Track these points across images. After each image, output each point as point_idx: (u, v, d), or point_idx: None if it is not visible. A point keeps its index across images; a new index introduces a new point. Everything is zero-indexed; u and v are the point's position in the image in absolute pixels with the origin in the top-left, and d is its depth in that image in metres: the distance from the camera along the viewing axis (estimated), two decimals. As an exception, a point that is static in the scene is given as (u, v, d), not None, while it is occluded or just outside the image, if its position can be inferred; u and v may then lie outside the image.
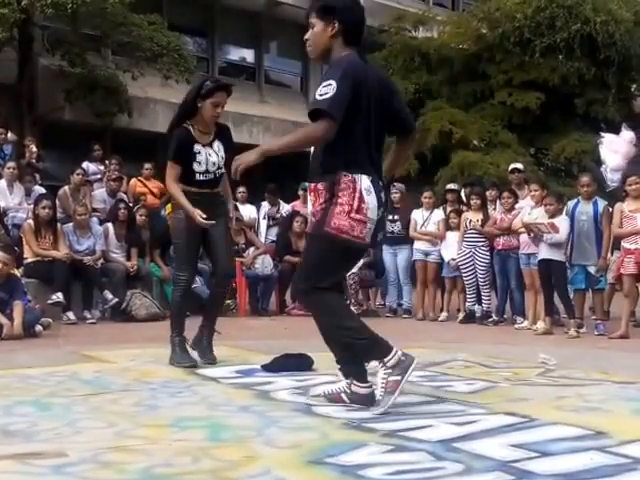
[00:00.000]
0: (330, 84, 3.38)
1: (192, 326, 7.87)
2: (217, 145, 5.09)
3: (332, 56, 3.65)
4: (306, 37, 3.84)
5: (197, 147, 5.01)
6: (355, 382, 3.64)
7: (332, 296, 3.66)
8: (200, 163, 5.01)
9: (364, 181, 3.47)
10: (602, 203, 7.86)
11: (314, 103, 3.47)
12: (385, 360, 3.51)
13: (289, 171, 12.58)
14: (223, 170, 5.09)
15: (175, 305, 5.33)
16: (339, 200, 3.45)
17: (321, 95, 3.40)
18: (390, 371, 3.48)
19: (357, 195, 3.45)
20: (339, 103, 3.37)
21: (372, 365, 3.66)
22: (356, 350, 3.71)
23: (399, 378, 3.47)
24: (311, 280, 3.59)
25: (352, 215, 3.45)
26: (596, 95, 16.80)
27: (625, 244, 7.45)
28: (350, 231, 3.46)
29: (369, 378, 3.70)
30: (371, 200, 3.47)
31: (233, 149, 4.90)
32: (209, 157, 5.03)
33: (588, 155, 14.95)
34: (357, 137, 3.49)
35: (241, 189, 10.70)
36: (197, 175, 5.01)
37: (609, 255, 8.43)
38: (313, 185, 3.63)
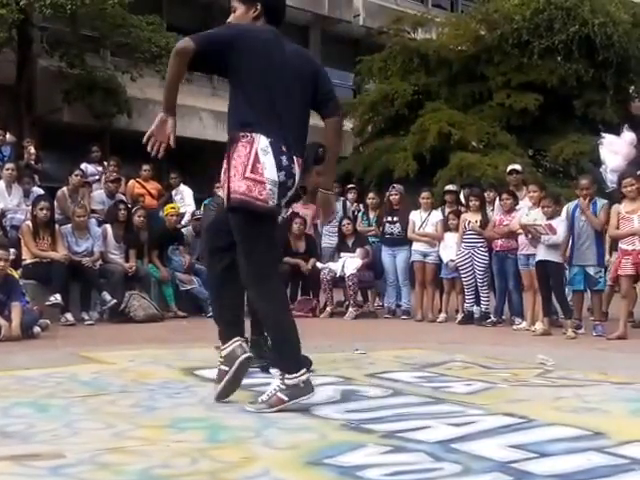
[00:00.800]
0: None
1: (191, 326, 7.88)
2: None
3: None
4: (228, 21, 3.77)
5: None
6: (287, 375, 3.51)
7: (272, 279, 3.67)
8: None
9: (262, 141, 3.45)
10: (601, 202, 7.87)
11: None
12: (287, 376, 3.48)
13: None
14: None
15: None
16: (232, 162, 3.45)
17: None
18: (284, 387, 3.46)
19: (253, 154, 3.43)
20: (207, 36, 3.51)
21: (273, 371, 3.64)
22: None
23: (286, 399, 3.45)
24: (253, 263, 3.57)
25: (247, 175, 3.44)
26: (594, 97, 16.79)
27: (622, 245, 7.46)
28: (247, 192, 3.44)
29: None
30: (268, 160, 3.43)
31: None
32: None
33: (586, 156, 14.95)
34: (257, 101, 3.50)
35: None
36: None
37: (607, 256, 8.45)
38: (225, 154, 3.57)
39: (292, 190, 3.56)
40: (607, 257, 8.43)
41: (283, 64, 3.55)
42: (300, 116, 3.63)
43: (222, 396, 3.69)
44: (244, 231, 3.55)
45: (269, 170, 3.44)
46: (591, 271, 7.75)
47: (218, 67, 3.65)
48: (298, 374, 3.47)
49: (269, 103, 3.52)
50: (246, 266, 3.58)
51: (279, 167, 3.46)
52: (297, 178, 3.57)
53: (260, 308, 3.73)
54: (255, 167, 3.43)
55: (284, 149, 3.49)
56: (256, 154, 3.44)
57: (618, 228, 7.49)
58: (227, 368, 3.54)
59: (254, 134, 3.46)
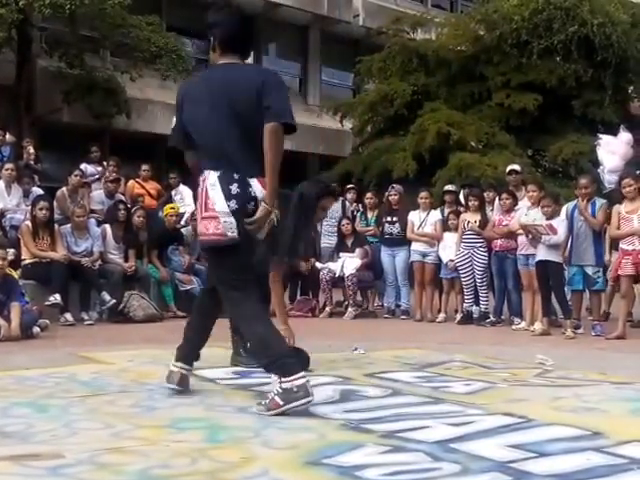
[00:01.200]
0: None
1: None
2: None
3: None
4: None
5: None
6: (282, 379, 3.51)
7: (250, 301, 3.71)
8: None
9: (210, 177, 3.60)
10: (599, 202, 7.88)
11: None
12: (282, 379, 3.48)
13: (288, 172, 12.58)
14: None
15: None
16: (196, 205, 3.68)
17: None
18: (280, 391, 3.47)
19: (204, 193, 3.62)
20: (177, 132, 3.83)
21: (274, 378, 3.64)
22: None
23: (281, 404, 3.45)
24: (225, 286, 3.74)
25: (202, 215, 3.63)
26: (593, 97, 16.78)
27: (622, 245, 7.47)
28: (206, 231, 3.60)
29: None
30: (215, 194, 3.56)
31: None
32: None
33: (585, 156, 14.94)
34: (204, 139, 3.68)
35: None
36: None
37: (607, 256, 8.45)
38: None
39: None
40: (607, 257, 8.43)
41: (223, 100, 3.64)
42: (250, 139, 3.61)
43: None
44: (212, 262, 3.93)
45: (218, 204, 3.55)
46: (589, 271, 7.75)
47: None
48: (291, 378, 3.46)
49: (218, 138, 3.63)
50: (221, 292, 3.76)
51: (228, 197, 3.55)
52: (262, 194, 3.59)
53: (240, 328, 3.94)
54: (207, 205, 3.59)
55: (235, 177, 3.57)
56: (206, 191, 3.61)
57: (619, 228, 7.49)
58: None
59: (205, 172, 3.65)
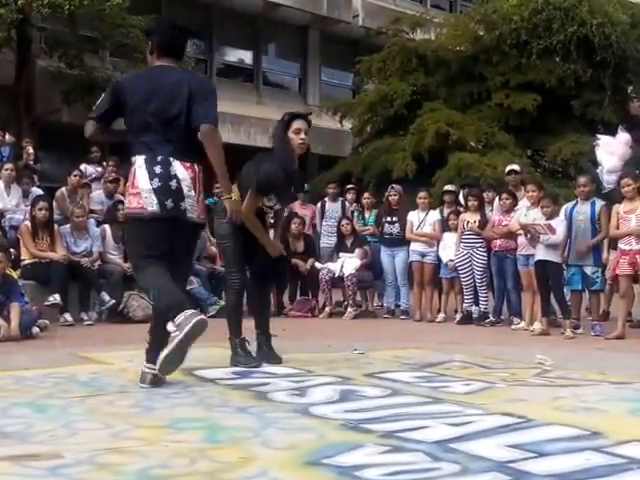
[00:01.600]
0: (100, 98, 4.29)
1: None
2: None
3: None
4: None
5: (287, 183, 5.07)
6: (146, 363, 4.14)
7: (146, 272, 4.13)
8: (271, 199, 5.09)
9: (138, 160, 4.11)
10: (600, 203, 7.88)
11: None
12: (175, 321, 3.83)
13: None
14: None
15: (229, 307, 5.35)
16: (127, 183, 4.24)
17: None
18: (175, 329, 3.81)
19: (133, 173, 4.14)
20: (97, 107, 4.26)
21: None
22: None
23: (174, 330, 3.81)
24: (132, 259, 4.40)
25: (130, 191, 4.16)
26: (592, 97, 16.80)
27: (620, 245, 7.49)
28: (130, 205, 4.14)
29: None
30: (140, 173, 4.07)
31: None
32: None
33: (585, 156, 14.94)
34: (137, 129, 4.16)
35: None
36: (264, 208, 5.10)
37: (605, 255, 8.46)
38: None
39: (188, 188, 4.07)
40: (605, 256, 8.44)
41: (160, 92, 4.12)
42: (177, 133, 4.11)
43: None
44: (128, 234, 4.42)
45: (142, 181, 4.05)
46: (588, 271, 7.76)
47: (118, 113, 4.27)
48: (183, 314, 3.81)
49: (147, 130, 4.13)
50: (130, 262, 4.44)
51: (152, 176, 4.04)
52: (185, 176, 4.07)
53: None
54: (133, 182, 4.12)
55: (159, 159, 4.06)
56: (135, 172, 4.11)
57: (618, 228, 7.50)
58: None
59: (135, 157, 4.15)
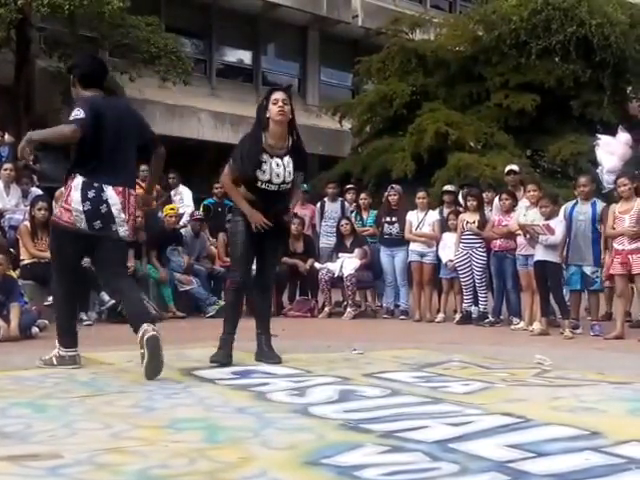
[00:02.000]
0: (80, 110, 4.54)
1: (190, 327, 7.89)
2: (287, 160, 5.13)
3: (75, 97, 4.88)
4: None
5: (264, 156, 5.06)
6: (62, 348, 4.85)
7: (62, 277, 4.86)
8: (264, 172, 5.06)
9: (76, 180, 4.57)
10: (601, 204, 7.89)
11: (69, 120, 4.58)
12: (61, 348, 4.85)
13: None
14: (288, 186, 5.19)
15: (226, 304, 5.66)
16: (64, 193, 4.71)
17: (74, 115, 4.53)
18: (58, 356, 4.84)
19: (69, 190, 4.60)
20: (85, 120, 4.51)
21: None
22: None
23: (55, 364, 4.81)
24: (53, 255, 5.00)
25: (62, 204, 4.66)
26: (591, 97, 16.80)
27: (614, 245, 7.51)
28: (60, 216, 4.68)
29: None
30: (75, 194, 4.55)
31: (304, 166, 5.28)
32: (275, 168, 5.08)
33: (584, 157, 14.96)
34: (86, 151, 4.58)
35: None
36: (259, 183, 5.09)
37: (603, 255, 8.46)
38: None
39: (118, 211, 4.59)
40: (602, 256, 8.44)
41: (113, 126, 4.62)
42: (127, 158, 4.74)
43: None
44: (52, 241, 5.06)
45: (75, 202, 4.55)
46: (588, 271, 7.77)
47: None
48: (67, 350, 4.81)
49: (97, 153, 4.59)
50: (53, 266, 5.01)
51: (84, 199, 4.53)
52: (115, 201, 4.58)
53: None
54: (67, 199, 4.61)
55: (95, 185, 4.55)
56: (71, 190, 4.59)
57: (613, 228, 7.52)
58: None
59: (75, 176, 4.60)
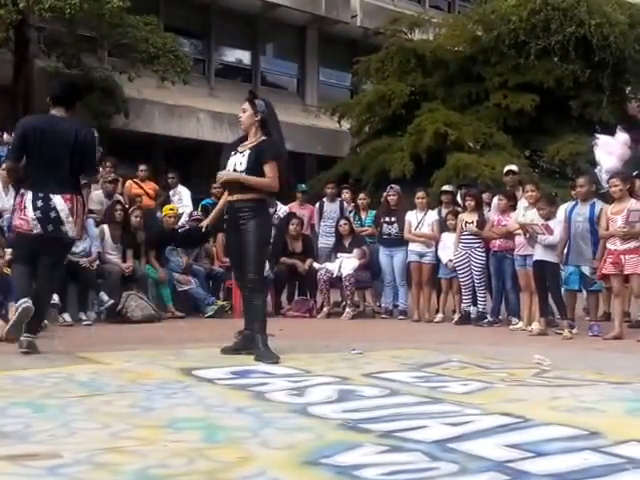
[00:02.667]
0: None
1: (189, 327, 7.88)
2: (247, 154, 5.48)
3: None
4: None
5: (232, 153, 5.61)
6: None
7: (17, 269, 5.79)
8: (226, 167, 5.59)
9: (26, 195, 5.49)
10: (599, 205, 7.89)
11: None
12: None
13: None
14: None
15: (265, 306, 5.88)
16: (15, 207, 5.67)
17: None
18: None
19: (23, 203, 5.50)
20: (11, 150, 5.84)
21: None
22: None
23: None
24: (14, 258, 6.07)
25: (21, 215, 5.54)
26: (591, 97, 16.83)
27: (607, 245, 7.49)
28: (21, 225, 5.56)
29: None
30: (28, 205, 5.46)
31: (265, 160, 5.44)
32: (234, 164, 5.53)
33: (583, 157, 14.97)
34: (28, 165, 5.55)
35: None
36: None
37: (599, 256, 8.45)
38: None
39: (66, 215, 5.48)
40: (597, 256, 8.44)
41: (52, 139, 5.48)
42: (61, 172, 5.51)
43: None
44: (16, 242, 5.94)
45: (29, 212, 5.46)
46: (587, 271, 7.77)
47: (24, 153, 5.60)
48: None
49: (38, 168, 5.49)
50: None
51: (35, 208, 5.44)
52: (63, 207, 5.47)
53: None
54: (23, 211, 5.50)
55: (41, 195, 5.44)
56: (24, 202, 5.49)
57: (607, 228, 7.50)
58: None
59: (25, 190, 5.52)
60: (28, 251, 5.66)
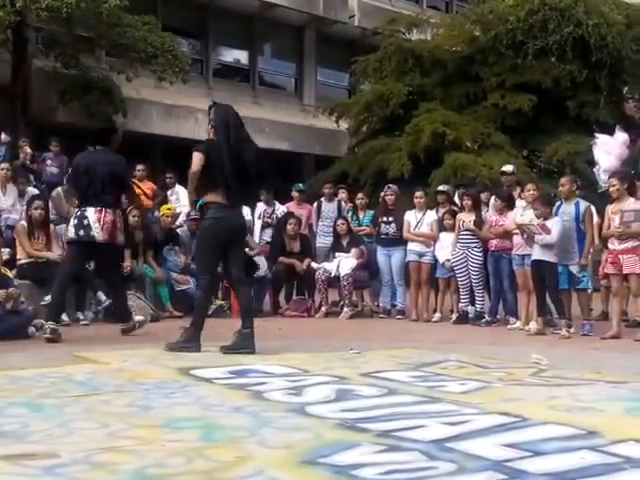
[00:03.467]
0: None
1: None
2: None
3: None
4: None
5: None
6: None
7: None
8: None
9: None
10: (584, 204, 7.91)
11: None
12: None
13: (285, 172, 12.62)
14: None
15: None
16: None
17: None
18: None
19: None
20: (68, 179, 7.98)
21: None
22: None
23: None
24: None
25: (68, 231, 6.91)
26: (588, 97, 16.81)
27: (608, 244, 7.54)
28: (68, 234, 6.95)
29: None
30: (71, 220, 6.89)
31: None
32: None
33: (580, 157, 14.98)
34: (82, 189, 6.97)
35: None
36: None
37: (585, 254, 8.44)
38: None
39: (94, 223, 6.70)
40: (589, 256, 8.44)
41: (98, 166, 6.81)
42: (104, 191, 6.80)
43: None
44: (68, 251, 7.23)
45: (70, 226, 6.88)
46: (574, 270, 7.78)
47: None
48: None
49: (89, 190, 6.80)
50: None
51: (76, 227, 6.73)
52: (92, 217, 6.68)
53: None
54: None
55: (79, 214, 6.74)
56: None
57: (609, 228, 7.54)
58: None
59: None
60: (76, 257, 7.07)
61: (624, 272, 7.34)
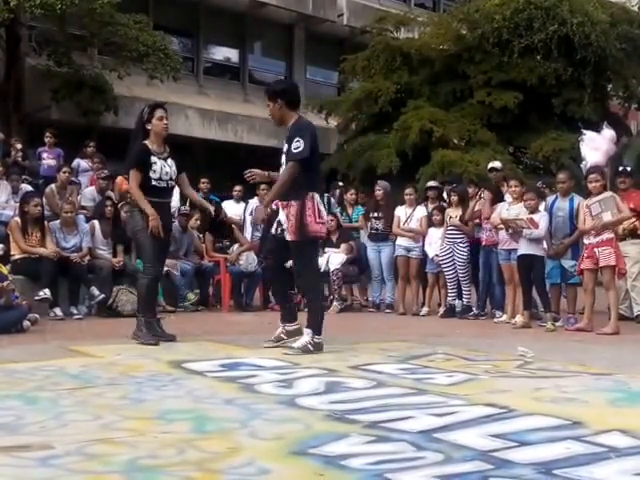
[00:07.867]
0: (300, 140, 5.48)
1: (178, 320, 7.89)
2: (170, 161, 6.11)
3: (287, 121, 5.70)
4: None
5: (153, 158, 5.98)
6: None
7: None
8: (155, 171, 5.97)
9: (316, 197, 5.61)
10: (578, 199, 7.95)
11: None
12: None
13: (275, 168, 12.59)
14: (174, 183, 6.22)
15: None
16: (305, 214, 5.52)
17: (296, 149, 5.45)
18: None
19: (315, 207, 5.57)
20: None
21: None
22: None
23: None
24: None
25: (315, 220, 5.54)
26: (573, 95, 16.89)
27: (584, 239, 7.48)
28: (319, 230, 5.67)
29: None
30: (322, 208, 5.72)
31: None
32: (164, 168, 6.03)
33: (565, 153, 15.10)
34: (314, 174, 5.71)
35: (237, 187, 10.85)
36: (152, 181, 5.96)
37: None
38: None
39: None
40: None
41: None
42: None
43: None
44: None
45: (324, 213, 5.85)
46: (566, 265, 7.83)
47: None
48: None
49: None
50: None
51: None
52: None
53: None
54: (318, 214, 5.63)
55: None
56: (317, 206, 5.63)
57: (585, 223, 7.47)
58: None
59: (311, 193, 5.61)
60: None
61: (600, 265, 7.21)
